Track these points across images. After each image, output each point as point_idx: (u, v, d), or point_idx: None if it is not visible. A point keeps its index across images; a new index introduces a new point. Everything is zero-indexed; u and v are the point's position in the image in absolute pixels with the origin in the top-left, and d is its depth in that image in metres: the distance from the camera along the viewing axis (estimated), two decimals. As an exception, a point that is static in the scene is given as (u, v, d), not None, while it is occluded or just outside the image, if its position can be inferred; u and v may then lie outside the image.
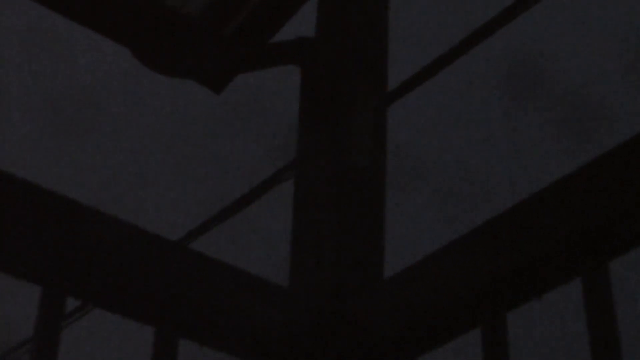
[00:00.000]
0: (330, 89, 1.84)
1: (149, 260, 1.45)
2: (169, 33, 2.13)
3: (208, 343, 1.53)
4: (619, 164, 1.32)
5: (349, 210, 1.71)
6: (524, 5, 2.24)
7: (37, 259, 1.34)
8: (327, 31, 1.91)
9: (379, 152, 1.80)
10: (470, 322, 1.48)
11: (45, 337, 1.33)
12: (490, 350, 1.43)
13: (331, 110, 1.82)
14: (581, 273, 1.37)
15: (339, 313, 1.61)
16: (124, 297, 1.43)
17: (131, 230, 1.45)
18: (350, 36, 1.88)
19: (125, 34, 2.13)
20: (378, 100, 1.83)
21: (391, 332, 1.53)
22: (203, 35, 2.13)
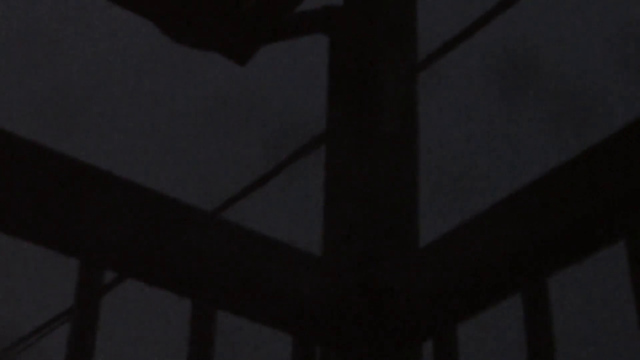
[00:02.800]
0: (360, 57, 1.82)
1: (184, 231, 1.43)
2: (193, 4, 2.11)
3: (243, 313, 1.51)
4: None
5: (382, 179, 1.69)
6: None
7: (75, 233, 1.32)
8: (354, -2, 1.88)
9: (410, 119, 1.77)
10: (510, 288, 1.46)
11: (84, 312, 1.32)
12: (532, 316, 1.41)
13: (361, 78, 1.79)
14: (624, 235, 1.35)
15: (374, 282, 1.59)
16: (160, 269, 1.42)
17: (167, 201, 1.43)
18: (379, 3, 1.86)
19: (150, 7, 2.11)
20: (408, 66, 1.80)
21: (428, 300, 1.51)
22: (227, 6, 2.11)
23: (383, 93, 1.76)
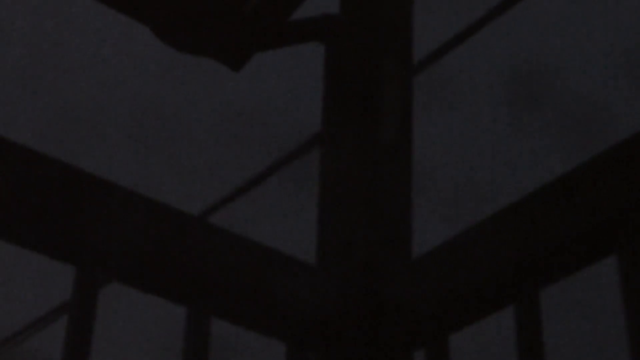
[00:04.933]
0: (357, 65, 1.83)
1: (181, 240, 1.44)
2: (188, 10, 2.12)
3: (239, 322, 1.52)
4: (656, 140, 1.31)
5: (378, 187, 1.70)
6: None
7: (73, 241, 1.33)
8: (351, 7, 1.89)
9: (406, 126, 1.78)
10: (503, 300, 1.48)
11: (79, 320, 1.33)
12: (524, 328, 1.43)
13: (359, 86, 1.80)
14: (617, 250, 1.37)
15: (370, 292, 1.60)
16: (155, 277, 1.43)
17: (163, 209, 1.44)
18: (376, 10, 1.87)
19: (145, 12, 2.12)
20: (405, 72, 1.82)
21: (423, 310, 1.52)
22: (222, 13, 2.12)
23: (381, 101, 1.77)
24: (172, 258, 1.43)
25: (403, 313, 1.54)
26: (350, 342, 1.57)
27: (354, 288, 1.60)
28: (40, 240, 1.31)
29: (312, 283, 1.56)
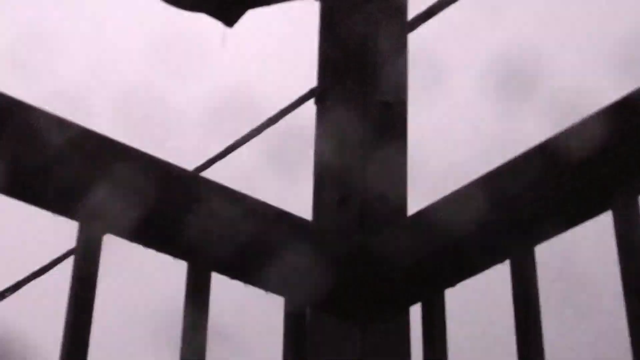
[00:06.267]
0: (352, 22, 1.84)
1: (181, 195, 1.46)
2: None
3: (238, 277, 1.54)
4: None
5: (374, 143, 1.72)
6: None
7: (74, 196, 1.34)
8: (346, -36, 1.90)
9: (401, 84, 1.80)
10: (497, 256, 1.50)
11: (83, 276, 1.34)
12: (518, 284, 1.45)
13: (353, 43, 1.81)
14: (612, 206, 1.39)
15: (365, 248, 1.62)
16: (155, 232, 1.44)
17: (163, 165, 1.45)
18: (371, -31, 1.88)
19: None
20: (400, 30, 1.83)
21: (420, 265, 1.54)
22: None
23: (377, 57, 1.78)
24: (172, 213, 1.45)
25: (399, 268, 1.56)
26: (347, 296, 1.59)
27: (350, 244, 1.62)
28: (45, 195, 1.32)
29: (309, 239, 1.58)
